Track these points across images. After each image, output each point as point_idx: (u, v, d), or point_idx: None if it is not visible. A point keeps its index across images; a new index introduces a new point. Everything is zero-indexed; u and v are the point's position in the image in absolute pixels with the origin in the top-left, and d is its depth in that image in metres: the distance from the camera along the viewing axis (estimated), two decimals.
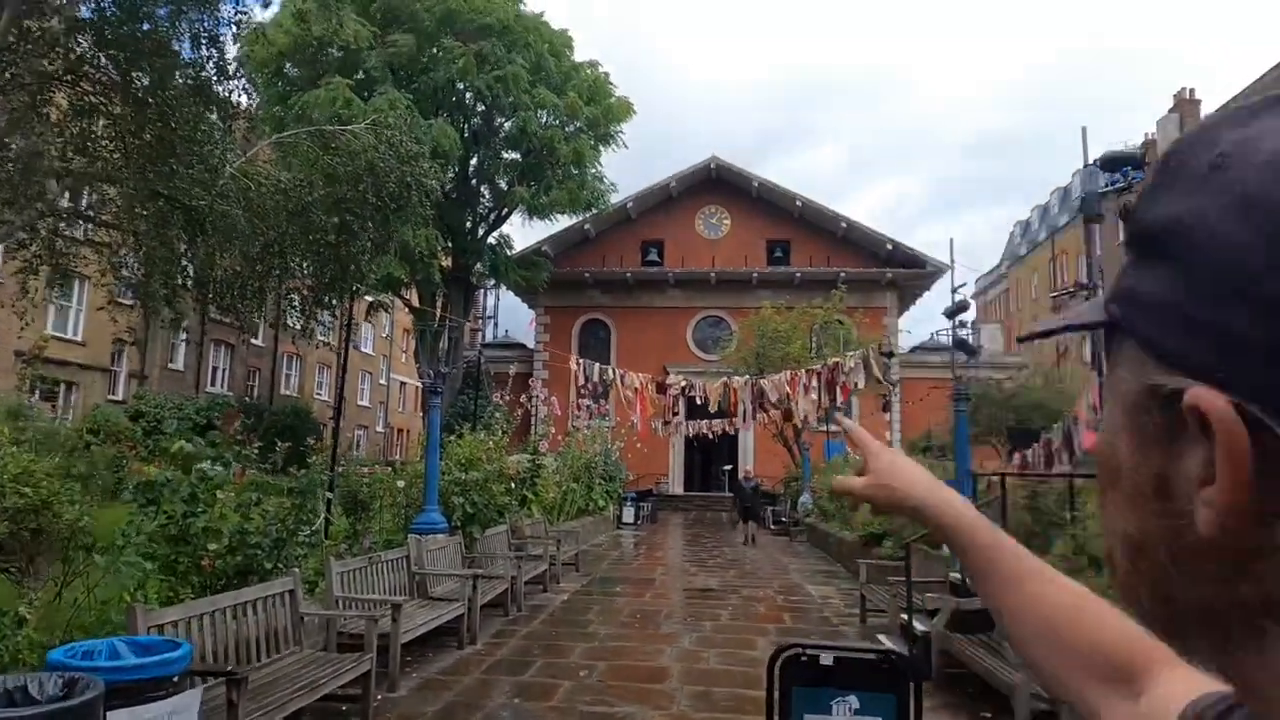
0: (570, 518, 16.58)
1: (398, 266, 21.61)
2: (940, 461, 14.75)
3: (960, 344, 10.71)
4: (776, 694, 3.29)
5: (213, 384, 31.37)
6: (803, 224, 33.94)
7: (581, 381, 10.94)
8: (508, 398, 17.20)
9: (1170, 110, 35.88)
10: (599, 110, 27.19)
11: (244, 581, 5.48)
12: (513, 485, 10.88)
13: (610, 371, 11.14)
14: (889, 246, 32.62)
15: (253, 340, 32.01)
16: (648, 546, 17.11)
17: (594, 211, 29.45)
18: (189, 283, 10.88)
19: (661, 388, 11.46)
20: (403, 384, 48.30)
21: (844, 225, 33.17)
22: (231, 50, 11.63)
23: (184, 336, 26.02)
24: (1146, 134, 40.63)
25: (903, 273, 32.55)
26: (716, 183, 34.72)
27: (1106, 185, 7.99)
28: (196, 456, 6.10)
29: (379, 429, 45.37)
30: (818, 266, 32.67)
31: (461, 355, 26.89)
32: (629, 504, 21.47)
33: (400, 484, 9.29)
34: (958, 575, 7.10)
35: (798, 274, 32.42)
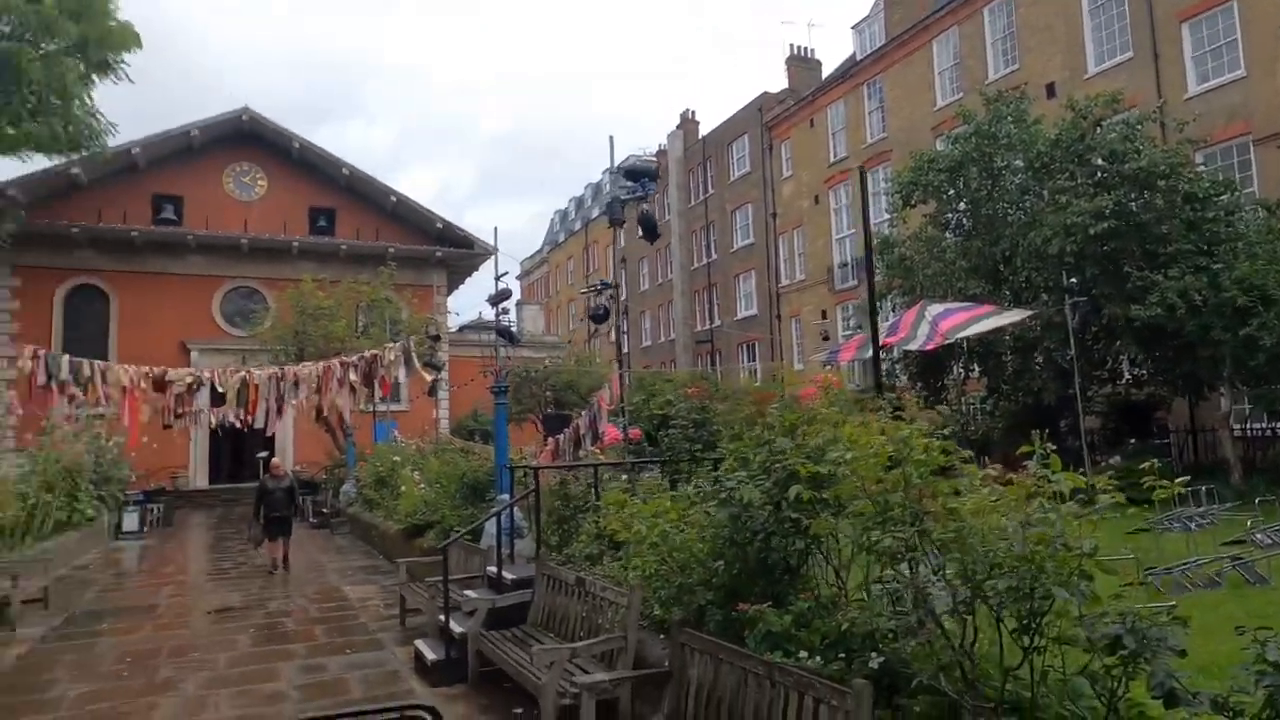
0: (44, 537, 13.31)
1: None
2: (486, 445, 15.11)
3: (503, 332, 10.92)
4: None
5: None
6: (350, 194, 32.14)
7: (42, 380, 8.45)
8: None
9: (677, 126, 41.94)
10: (91, 31, 22.16)
11: None
12: None
13: (86, 366, 8.84)
14: (439, 225, 32.57)
15: None
16: (156, 559, 14.56)
17: (85, 153, 24.00)
18: None
19: (160, 385, 9.56)
20: None
21: (394, 199, 32.21)
22: None
23: None
24: (659, 144, 46.99)
25: (453, 252, 32.78)
26: (251, 138, 30.99)
27: (628, 193, 8.74)
28: None
29: None
30: (366, 240, 31.27)
31: None
32: (131, 508, 18.11)
33: None
34: (494, 569, 7.18)
35: (343, 246, 30.63)
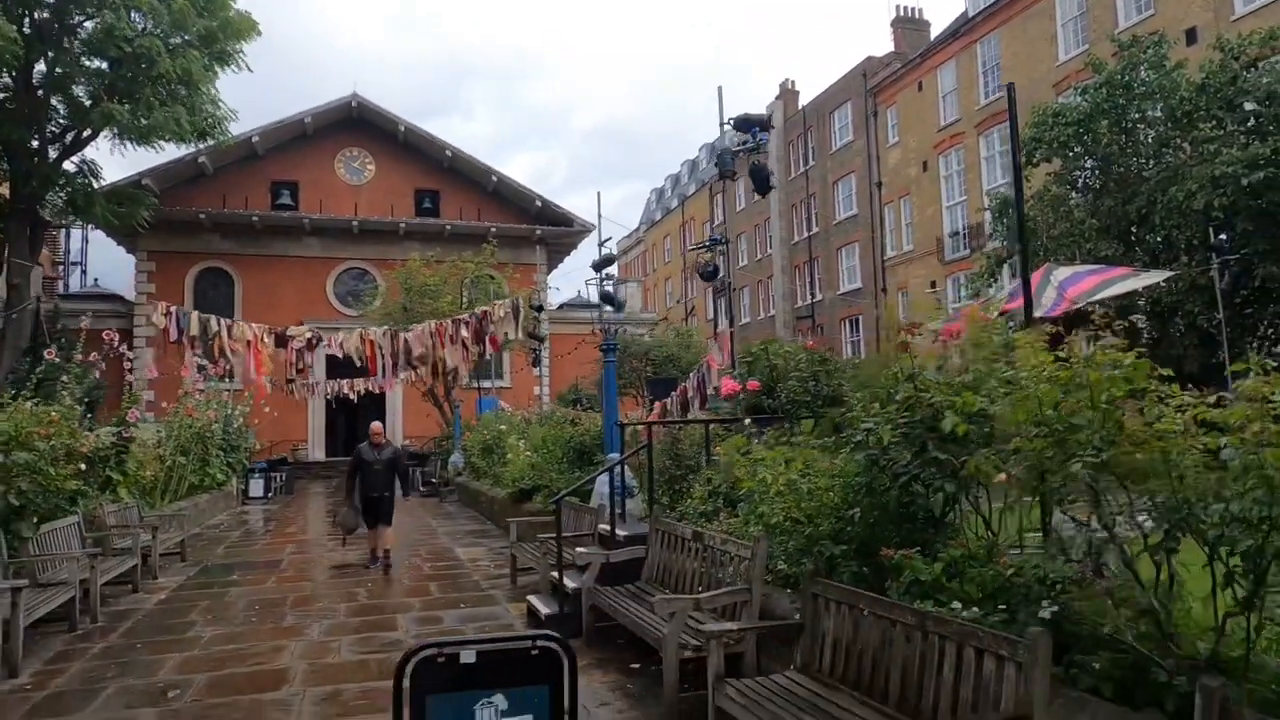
0: (180, 497, 14.13)
1: None
2: (587, 412, 15.12)
3: (607, 297, 10.83)
4: (407, 708, 2.67)
5: None
6: (453, 175, 32.78)
7: (174, 336, 8.97)
8: (95, 358, 14.05)
9: (776, 98, 40.90)
10: (214, 23, 23.25)
11: None
12: (86, 465, 8.70)
13: (214, 322, 9.29)
14: (538, 204, 32.87)
15: None
16: (279, 522, 15.26)
17: (210, 142, 25.31)
18: None
19: (282, 340, 9.93)
20: None
21: (495, 179, 32.69)
22: None
23: None
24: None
25: (551, 230, 33.03)
26: (359, 123, 32.01)
27: (739, 145, 8.41)
28: None
29: None
30: (468, 220, 31.87)
31: (27, 307, 21.62)
32: (257, 475, 19.08)
33: None
34: (605, 527, 7.07)
35: (448, 226, 31.31)
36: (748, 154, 8.14)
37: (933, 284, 29.21)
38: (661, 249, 58.67)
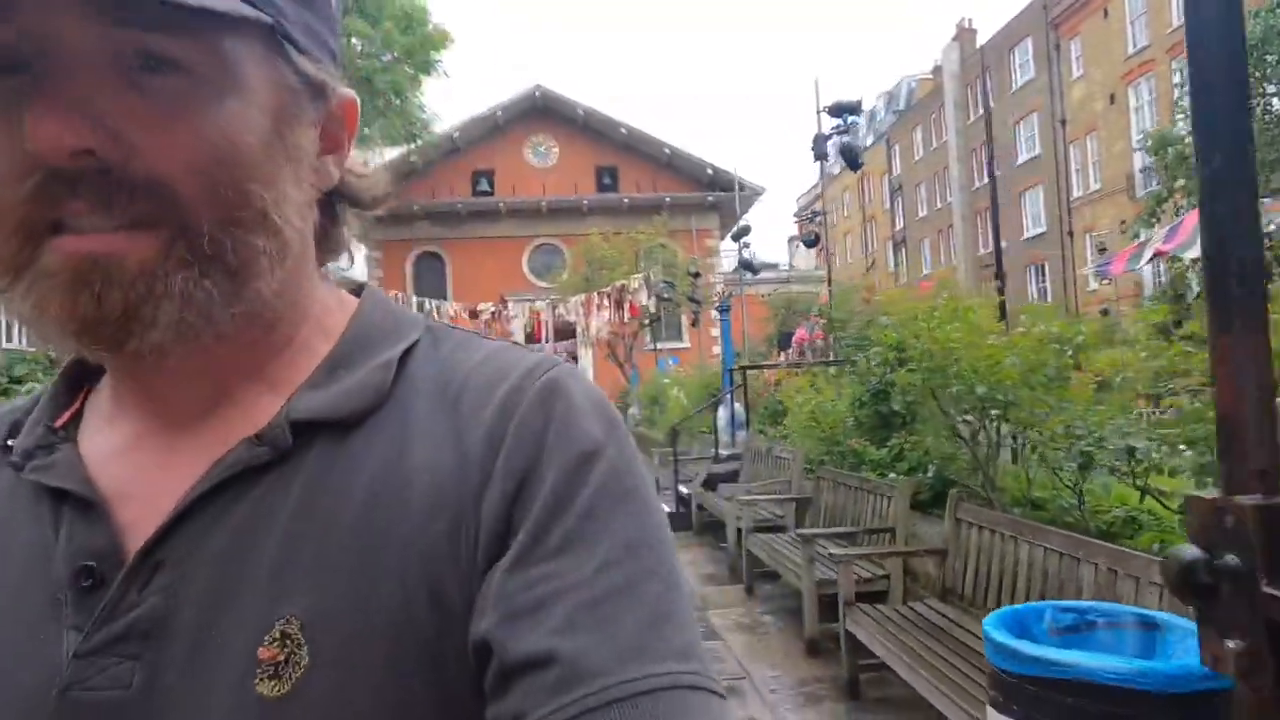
0: None
1: None
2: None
3: (745, 264, 12.43)
4: None
5: None
6: (629, 150, 35.06)
7: None
8: None
9: (953, 39, 39.45)
10: (415, 40, 26.84)
11: None
12: None
13: (427, 303, 12.07)
14: (710, 171, 34.42)
15: None
16: None
17: (418, 142, 29.22)
18: None
19: (474, 314, 12.55)
20: None
21: (668, 151, 34.60)
22: None
23: None
24: (935, 61, 44.43)
25: (723, 196, 34.47)
26: (543, 111, 35.09)
27: (832, 130, 9.71)
28: None
29: None
30: (644, 192, 34.08)
31: None
32: None
33: None
34: (714, 451, 8.88)
35: (625, 200, 33.68)
36: (840, 136, 9.43)
37: (1122, 224, 27.76)
38: (841, 203, 58.14)
